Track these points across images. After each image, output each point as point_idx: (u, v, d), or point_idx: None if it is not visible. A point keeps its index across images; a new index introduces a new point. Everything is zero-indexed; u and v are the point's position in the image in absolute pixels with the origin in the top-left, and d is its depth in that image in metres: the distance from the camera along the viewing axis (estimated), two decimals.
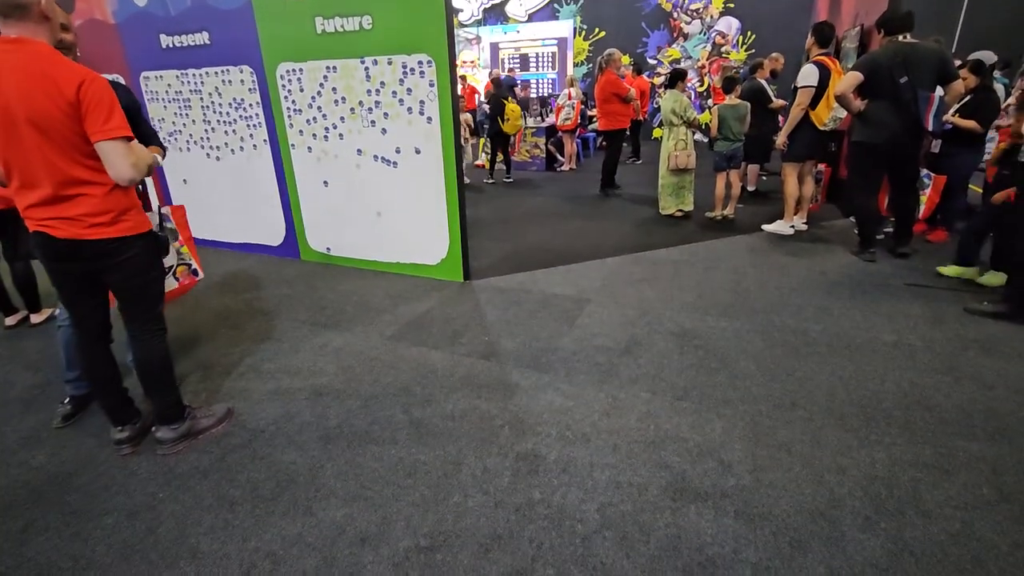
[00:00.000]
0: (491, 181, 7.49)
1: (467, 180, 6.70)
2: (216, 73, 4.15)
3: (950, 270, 3.53)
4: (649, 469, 1.89)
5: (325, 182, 4.04)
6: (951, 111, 3.84)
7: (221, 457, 2.04)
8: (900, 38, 3.59)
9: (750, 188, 5.94)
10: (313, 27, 3.64)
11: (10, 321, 3.27)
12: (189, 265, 2.51)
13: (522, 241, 4.68)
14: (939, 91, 3.53)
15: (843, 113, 4.34)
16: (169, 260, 2.36)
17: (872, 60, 3.62)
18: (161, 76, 4.39)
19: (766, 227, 4.66)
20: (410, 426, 2.18)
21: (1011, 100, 4.17)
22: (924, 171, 3.88)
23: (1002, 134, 3.36)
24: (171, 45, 4.22)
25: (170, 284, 2.37)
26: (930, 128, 3.52)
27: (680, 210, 5.20)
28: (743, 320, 3.03)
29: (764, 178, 6.40)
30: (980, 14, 8.84)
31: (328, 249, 4.23)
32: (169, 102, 4.45)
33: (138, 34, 4.31)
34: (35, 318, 3.29)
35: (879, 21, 3.74)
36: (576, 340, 2.86)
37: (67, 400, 2.31)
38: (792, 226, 4.60)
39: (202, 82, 4.24)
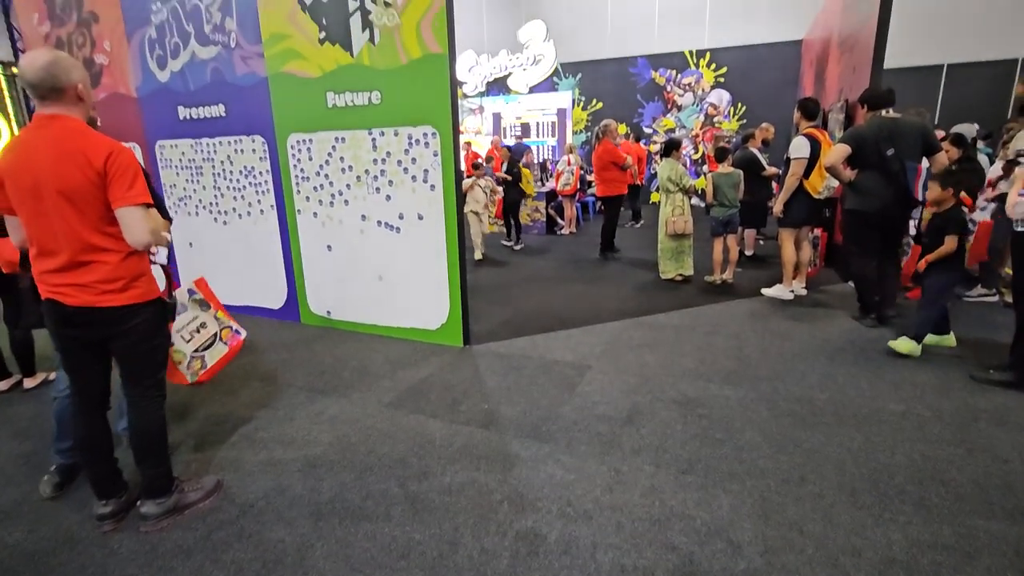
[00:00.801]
0: (518, 247, 7.34)
1: (480, 254, 6.67)
2: (229, 142, 4.32)
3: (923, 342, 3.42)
4: (655, 550, 1.79)
5: (329, 246, 4.11)
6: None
7: (207, 535, 1.94)
8: (883, 113, 3.76)
9: (748, 253, 6.02)
10: (324, 101, 3.83)
11: (2, 387, 3.22)
12: (231, 327, 2.54)
13: (522, 305, 4.69)
14: (925, 162, 3.67)
15: (834, 183, 4.49)
16: (211, 327, 2.40)
17: (858, 134, 3.78)
18: (176, 144, 4.57)
19: (765, 291, 4.69)
20: (405, 501, 2.09)
21: (997, 169, 4.31)
22: (906, 239, 3.99)
23: (928, 204, 3.51)
24: (188, 116, 4.43)
25: (220, 350, 2.43)
26: (919, 198, 3.62)
27: (680, 274, 5.26)
28: (747, 388, 2.98)
29: (761, 243, 6.51)
30: (958, 88, 9.33)
31: (328, 312, 4.24)
32: (182, 169, 4.61)
33: (158, 106, 4.54)
34: (29, 383, 3.25)
35: (862, 97, 3.94)
36: (577, 408, 2.81)
37: (54, 468, 2.23)
38: (791, 291, 4.62)
39: (215, 150, 4.41)
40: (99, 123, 2.24)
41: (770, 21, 10.35)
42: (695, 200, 7.75)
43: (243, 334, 2.60)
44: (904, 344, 3.34)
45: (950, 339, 3.47)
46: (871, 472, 2.19)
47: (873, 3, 4.81)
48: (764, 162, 5.66)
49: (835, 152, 3.77)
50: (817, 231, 4.73)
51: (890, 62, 5.03)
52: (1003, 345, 3.14)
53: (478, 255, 6.64)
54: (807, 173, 4.41)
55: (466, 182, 6.36)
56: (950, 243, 3.18)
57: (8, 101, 7.85)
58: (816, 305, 4.42)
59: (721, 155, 5.11)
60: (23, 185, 1.71)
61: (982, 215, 4.29)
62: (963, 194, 3.41)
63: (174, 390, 2.83)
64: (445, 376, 3.27)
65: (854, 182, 3.82)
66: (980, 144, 6.11)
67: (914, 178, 3.58)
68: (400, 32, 3.50)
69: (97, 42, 4.65)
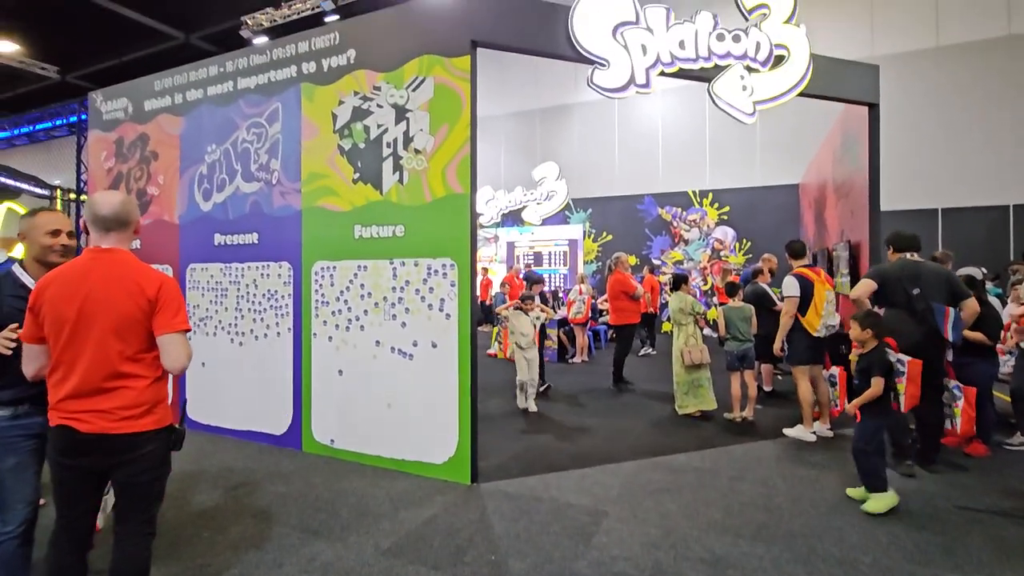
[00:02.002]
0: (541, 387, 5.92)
1: (532, 407, 5.33)
2: (257, 267, 4.53)
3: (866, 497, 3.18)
4: None
5: (340, 371, 4.08)
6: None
7: None
8: (908, 256, 3.87)
9: (766, 388, 5.86)
10: (352, 233, 4.07)
11: None
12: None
13: (533, 439, 4.49)
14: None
15: (835, 321, 4.49)
16: None
17: (882, 271, 3.87)
18: (207, 268, 4.80)
19: (788, 432, 4.47)
20: None
21: (1013, 311, 4.31)
22: (954, 383, 3.83)
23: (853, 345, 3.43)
24: (223, 243, 4.70)
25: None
26: (950, 339, 3.56)
27: (700, 410, 5.07)
28: (780, 546, 2.70)
29: (779, 377, 6.36)
30: (956, 231, 9.72)
31: (332, 441, 4.08)
32: (208, 291, 4.78)
33: (196, 233, 4.85)
34: None
35: (888, 239, 4.07)
36: (593, 564, 2.54)
37: None
38: (814, 432, 4.41)
39: (242, 275, 4.61)
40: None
41: (766, 167, 11.22)
42: (707, 331, 7.78)
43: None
44: (874, 503, 3.07)
45: (892, 497, 3.12)
46: None
47: (863, 155, 5.21)
48: (774, 297, 5.74)
49: (861, 287, 3.80)
50: (835, 369, 4.61)
51: (886, 205, 5.31)
52: None
53: (527, 404, 5.32)
54: (803, 311, 4.44)
55: (507, 311, 5.76)
56: (876, 385, 3.10)
57: None
58: (844, 449, 4.15)
59: (731, 290, 5.20)
60: (65, 313, 1.76)
61: (1008, 362, 4.19)
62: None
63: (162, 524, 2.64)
64: (450, 518, 3.03)
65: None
66: (988, 285, 6.20)
67: (943, 319, 3.55)
68: (427, 174, 3.81)
69: (153, 176, 5.12)
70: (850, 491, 3.31)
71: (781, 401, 5.62)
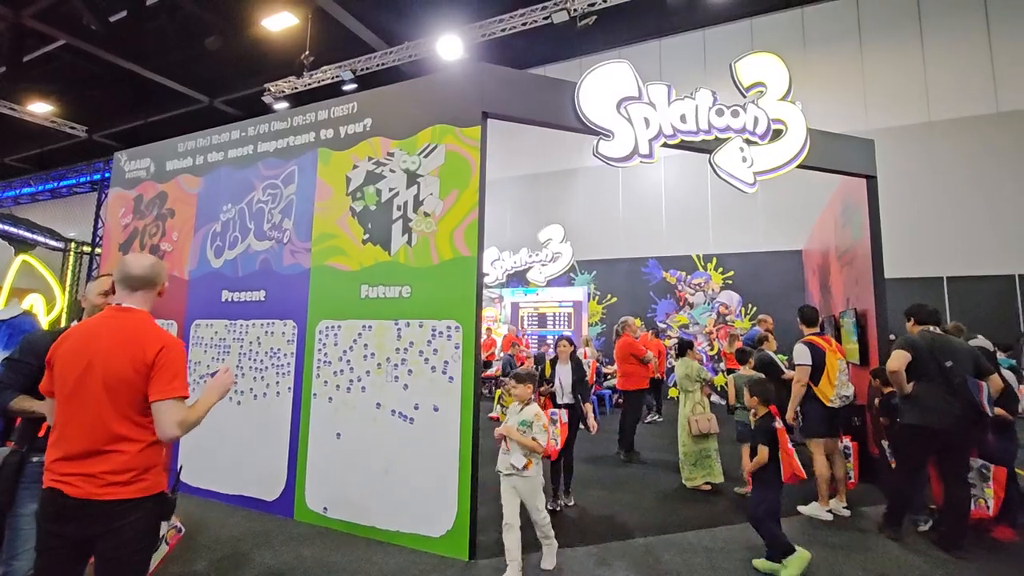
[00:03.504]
0: (570, 503, 4.45)
1: (562, 504, 4.33)
2: (262, 325, 4.53)
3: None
4: None
5: (338, 434, 3.98)
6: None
7: None
8: (932, 329, 3.82)
9: None
10: (358, 293, 4.09)
11: None
12: (176, 526, 2.33)
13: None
14: None
15: (850, 391, 4.38)
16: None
17: (912, 341, 3.78)
18: (211, 324, 4.80)
19: (802, 509, 4.25)
20: None
21: None
22: (980, 462, 3.69)
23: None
24: (230, 299, 4.73)
25: (162, 550, 2.18)
26: (989, 414, 3.46)
27: (708, 482, 4.87)
28: None
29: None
30: (962, 299, 9.69)
31: (325, 509, 3.91)
32: (211, 347, 4.76)
33: (204, 289, 4.88)
34: None
35: (909, 311, 4.04)
36: None
37: None
38: (830, 510, 4.19)
39: (247, 332, 4.59)
40: None
41: (769, 232, 11.39)
42: (714, 397, 7.62)
43: (183, 531, 2.45)
44: (790, 569, 3.10)
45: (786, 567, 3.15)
46: None
47: (864, 223, 5.29)
48: (782, 366, 5.65)
49: (897, 358, 3.69)
50: (847, 441, 4.45)
51: (891, 272, 5.32)
52: None
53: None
54: (816, 380, 4.34)
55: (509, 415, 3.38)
56: (761, 453, 3.18)
57: (69, 274, 8.62)
58: (862, 530, 3.94)
59: (743, 357, 5.12)
60: (72, 371, 1.76)
61: None
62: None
63: None
64: None
65: (914, 395, 3.68)
66: (1000, 356, 6.10)
67: (978, 393, 3.46)
68: (435, 237, 3.88)
69: (167, 232, 5.23)
70: (756, 562, 3.30)
71: None
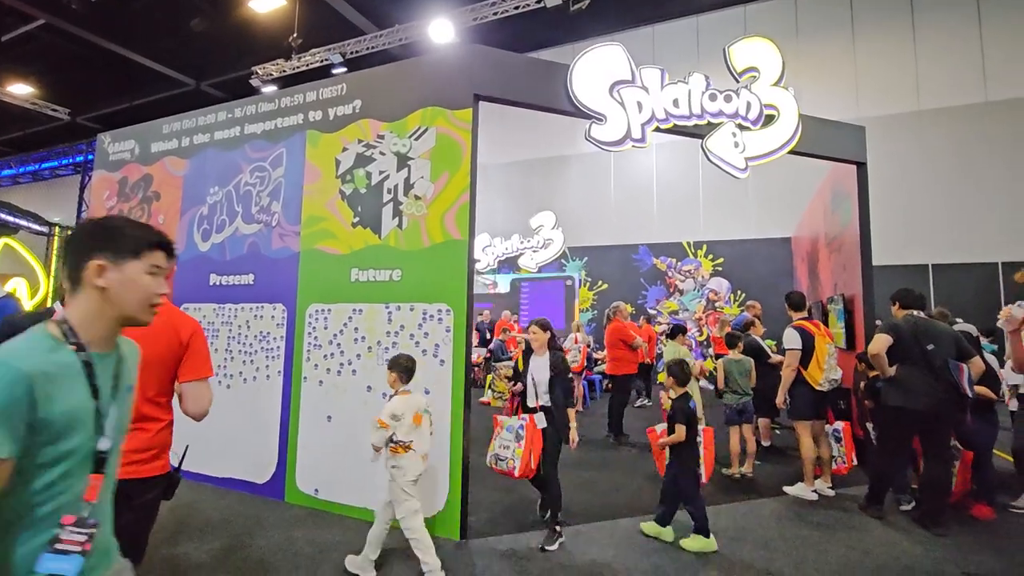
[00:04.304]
0: (553, 546, 3.36)
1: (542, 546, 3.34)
2: (251, 309, 4.49)
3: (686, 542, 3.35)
4: None
5: (329, 416, 3.98)
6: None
7: None
8: (915, 313, 3.88)
9: (764, 443, 5.74)
10: (348, 276, 4.06)
11: None
12: None
13: (526, 492, 4.31)
14: None
15: (838, 375, 4.45)
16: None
17: (895, 325, 3.85)
18: (199, 308, 4.75)
19: (788, 489, 4.34)
20: None
21: (1011, 373, 4.29)
22: (953, 442, 3.78)
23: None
24: (218, 283, 4.68)
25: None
26: (969, 395, 3.53)
27: None
28: None
29: (777, 432, 6.24)
30: (947, 287, 9.83)
31: (316, 491, 3.92)
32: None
33: (191, 273, 4.82)
34: None
35: (895, 296, 4.11)
36: None
37: None
38: (815, 490, 4.28)
39: (235, 315, 4.56)
40: None
41: (759, 219, 11.45)
42: (703, 383, 7.69)
43: None
44: (693, 542, 3.27)
45: (668, 532, 3.42)
46: None
47: (853, 210, 5.33)
48: (768, 350, 5.71)
49: (878, 342, 3.76)
50: (839, 425, 4.52)
51: (878, 260, 5.38)
52: None
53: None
54: (805, 364, 4.40)
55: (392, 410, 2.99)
56: (678, 432, 3.35)
57: (54, 258, 8.50)
58: (848, 511, 4.02)
59: (732, 341, 5.17)
60: None
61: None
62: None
63: None
64: None
65: (897, 378, 3.76)
66: (983, 341, 6.21)
67: (959, 375, 3.54)
68: (426, 220, 3.85)
69: (153, 216, 5.15)
70: (644, 526, 3.52)
71: (779, 456, 5.49)
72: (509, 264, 12.94)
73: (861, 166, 5.26)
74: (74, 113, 15.10)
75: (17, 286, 6.77)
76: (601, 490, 4.42)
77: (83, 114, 15.28)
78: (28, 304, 6.37)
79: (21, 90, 13.28)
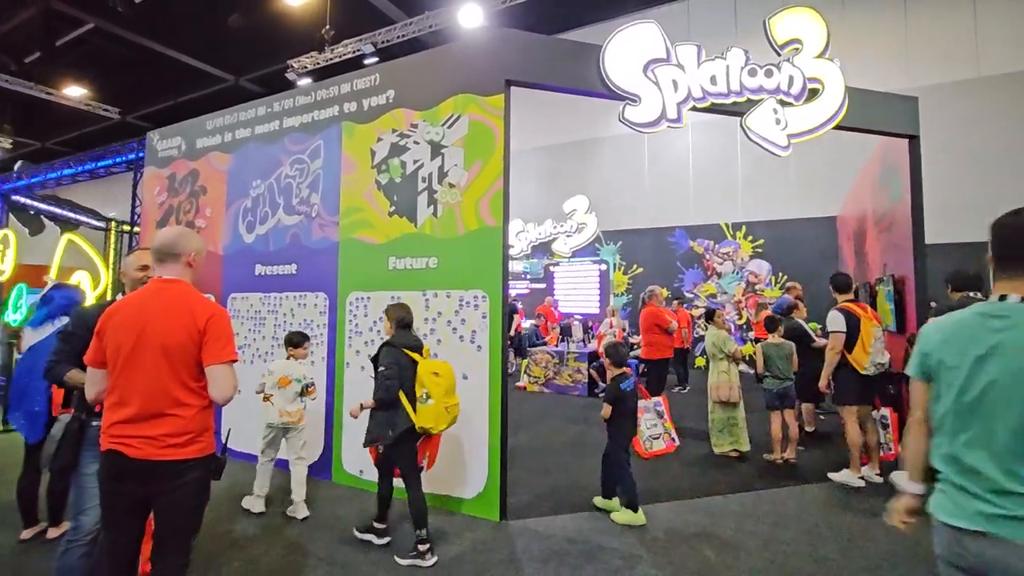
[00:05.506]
0: None
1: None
2: (295, 297, 4.66)
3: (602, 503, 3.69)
4: None
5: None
6: None
7: None
8: (971, 295, 3.70)
9: (808, 429, 5.60)
10: (386, 265, 4.15)
11: (25, 535, 3.12)
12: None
13: (563, 476, 4.38)
14: None
15: (885, 359, 4.28)
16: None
17: (951, 309, 3.66)
18: (247, 297, 4.96)
19: (833, 476, 4.23)
20: None
21: None
22: (881, 412, 3.69)
23: None
24: (263, 273, 4.87)
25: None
26: None
27: (735, 450, 4.88)
28: None
29: (822, 417, 6.07)
30: None
31: (361, 472, 4.08)
32: (247, 319, 4.93)
33: (238, 264, 5.03)
34: (52, 532, 3.14)
35: (949, 277, 3.92)
36: None
37: None
38: (862, 477, 4.16)
39: (280, 304, 4.74)
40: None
41: (801, 199, 11.00)
42: (743, 367, 7.55)
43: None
44: (622, 515, 3.44)
45: (614, 504, 3.63)
46: None
47: (904, 187, 5.07)
48: (812, 333, 5.54)
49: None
50: (886, 411, 4.37)
51: (931, 238, 5.11)
52: None
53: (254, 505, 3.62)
54: (850, 348, 4.25)
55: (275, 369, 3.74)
56: (604, 410, 3.56)
57: (112, 252, 8.97)
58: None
59: (771, 325, 5.04)
60: (124, 340, 1.84)
61: None
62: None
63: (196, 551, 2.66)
64: (479, 557, 2.95)
65: None
66: None
67: None
68: (460, 208, 3.89)
69: (201, 209, 5.38)
70: (597, 500, 3.74)
71: (824, 443, 5.35)
72: (542, 249, 12.91)
73: (913, 139, 4.98)
74: (124, 112, 15.79)
75: (81, 279, 7.23)
76: (638, 474, 4.39)
77: (132, 113, 15.97)
78: (91, 295, 6.78)
79: (75, 92, 13.97)
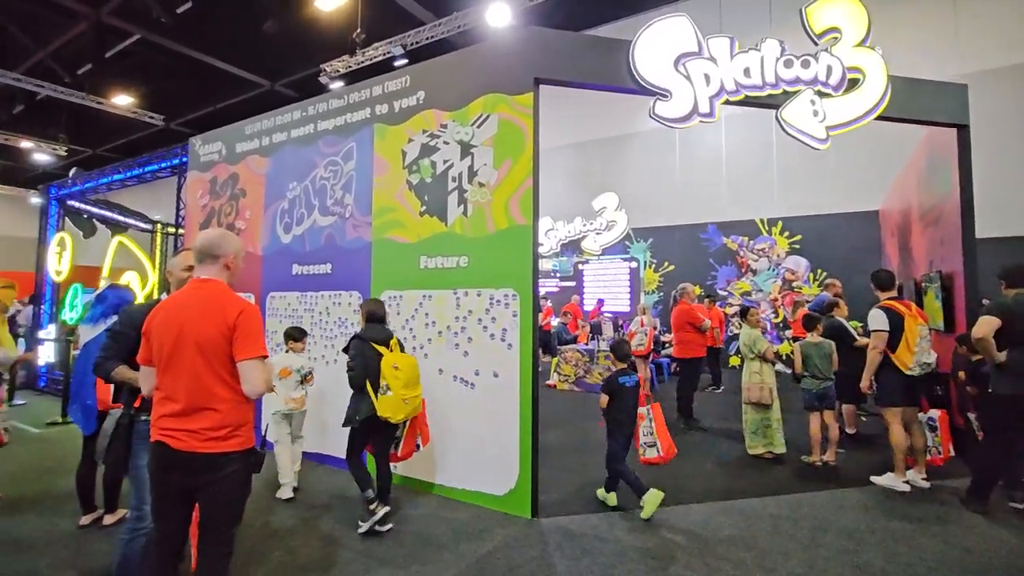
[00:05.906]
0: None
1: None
2: (330, 296, 4.78)
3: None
4: None
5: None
6: None
7: None
8: None
9: (849, 431, 5.41)
10: (417, 264, 4.22)
11: (84, 520, 3.31)
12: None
13: (595, 474, 4.34)
14: None
15: (932, 359, 4.09)
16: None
17: (1004, 306, 3.53)
18: (284, 296, 5.11)
19: (876, 480, 4.09)
20: None
21: None
22: (928, 414, 3.51)
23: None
24: (300, 273, 5.01)
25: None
26: None
27: (770, 452, 4.76)
28: None
29: (864, 419, 5.86)
30: None
31: (395, 467, 4.15)
32: (285, 318, 5.08)
33: (276, 264, 5.19)
34: (109, 519, 3.32)
35: (1002, 273, 3.75)
36: None
37: None
38: (907, 481, 4.00)
39: (316, 302, 4.87)
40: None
41: (840, 192, 10.61)
42: (779, 367, 7.35)
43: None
44: (648, 507, 3.44)
45: (612, 498, 3.71)
46: None
47: (952, 179, 4.84)
48: (854, 332, 5.35)
49: (985, 324, 3.47)
50: (935, 413, 4.19)
51: (982, 232, 4.86)
52: None
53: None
54: (893, 347, 4.08)
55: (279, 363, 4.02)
56: (600, 400, 3.66)
57: (158, 253, 9.39)
58: (944, 503, 3.74)
59: (810, 324, 4.88)
60: (166, 339, 1.95)
61: None
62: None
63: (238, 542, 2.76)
64: (510, 553, 2.98)
65: (1008, 363, 3.45)
66: None
67: None
68: (491, 207, 3.91)
69: (240, 212, 5.57)
70: (600, 492, 3.79)
71: (866, 446, 5.17)
72: (572, 247, 12.85)
73: (963, 128, 4.75)
74: (168, 119, 16.47)
75: (130, 280, 7.59)
76: (671, 475, 4.36)
77: (175, 119, 16.65)
78: (140, 295, 7.11)
79: (123, 101, 14.65)
